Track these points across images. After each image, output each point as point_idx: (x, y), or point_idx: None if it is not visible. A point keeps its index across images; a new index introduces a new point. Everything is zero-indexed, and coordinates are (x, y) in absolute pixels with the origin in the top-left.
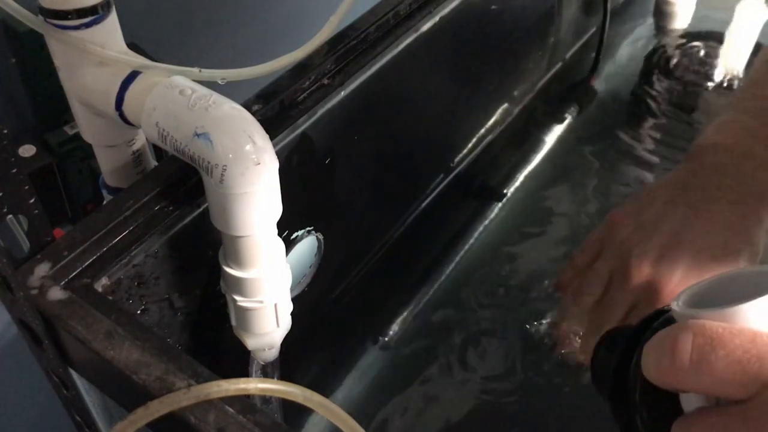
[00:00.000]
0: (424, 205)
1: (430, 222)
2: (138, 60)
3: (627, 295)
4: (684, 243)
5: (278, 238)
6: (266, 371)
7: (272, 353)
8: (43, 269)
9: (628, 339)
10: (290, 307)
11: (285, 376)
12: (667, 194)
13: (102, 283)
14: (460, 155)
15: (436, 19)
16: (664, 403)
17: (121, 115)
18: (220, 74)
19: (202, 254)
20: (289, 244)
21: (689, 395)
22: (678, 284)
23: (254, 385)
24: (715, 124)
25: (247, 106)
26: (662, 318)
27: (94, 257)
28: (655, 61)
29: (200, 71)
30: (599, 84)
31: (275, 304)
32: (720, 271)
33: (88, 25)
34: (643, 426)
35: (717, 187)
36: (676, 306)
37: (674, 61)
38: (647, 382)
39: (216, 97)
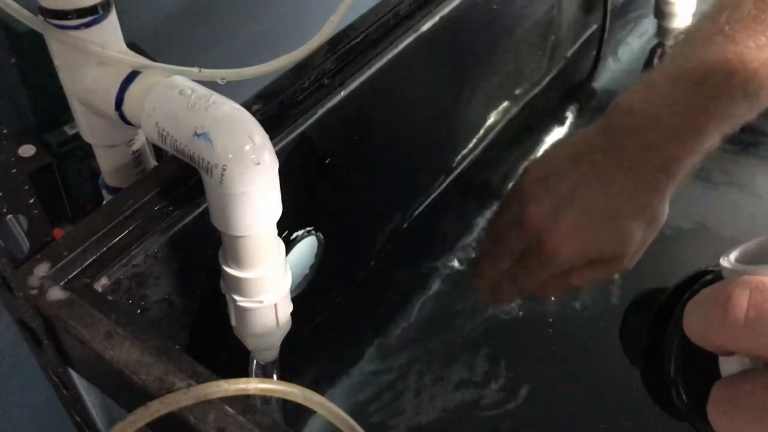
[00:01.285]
0: (424, 205)
1: (430, 222)
2: (138, 60)
3: (519, 242)
4: (576, 202)
5: (278, 238)
6: (266, 371)
7: (272, 353)
8: (42, 269)
9: (664, 301)
10: (290, 307)
11: (285, 376)
12: (573, 150)
13: (102, 283)
14: (461, 155)
15: (436, 19)
16: (702, 369)
17: (121, 115)
18: (220, 74)
19: (202, 254)
20: (289, 244)
21: (732, 359)
22: (561, 240)
23: (254, 385)
24: (638, 84)
25: (247, 106)
26: (703, 280)
27: (94, 257)
28: (655, 61)
29: (200, 71)
30: (599, 84)
31: (275, 304)
32: (607, 234)
33: (88, 25)
34: (677, 394)
35: (618, 151)
36: (726, 263)
37: None
38: (685, 346)
39: (216, 97)
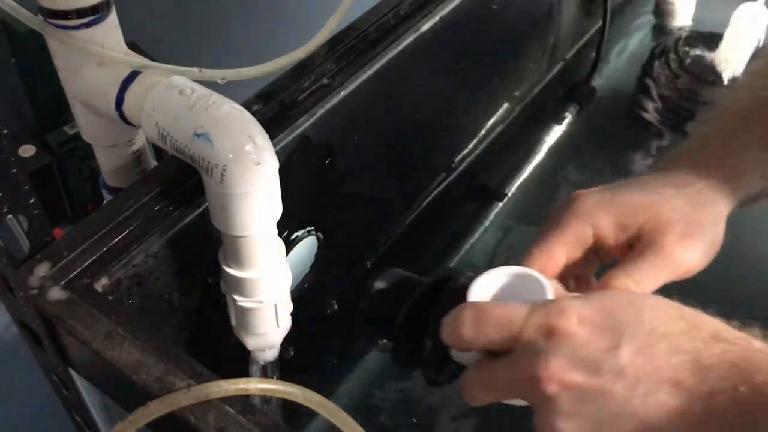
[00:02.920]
0: (424, 204)
1: (431, 222)
2: (138, 60)
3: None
4: None
5: (278, 238)
6: (266, 371)
7: (272, 353)
8: (43, 269)
9: (422, 295)
10: (290, 307)
11: (285, 376)
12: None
13: (102, 283)
14: (461, 155)
15: (436, 19)
16: (444, 353)
17: (121, 115)
18: (220, 74)
19: (202, 254)
20: (289, 244)
21: (462, 352)
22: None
23: (254, 385)
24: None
25: (247, 106)
26: (452, 282)
27: (94, 257)
28: (655, 61)
29: (200, 71)
30: (599, 84)
31: (275, 304)
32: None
33: (88, 25)
34: (423, 354)
35: None
36: (469, 294)
37: (674, 60)
38: (437, 338)
39: (216, 97)
